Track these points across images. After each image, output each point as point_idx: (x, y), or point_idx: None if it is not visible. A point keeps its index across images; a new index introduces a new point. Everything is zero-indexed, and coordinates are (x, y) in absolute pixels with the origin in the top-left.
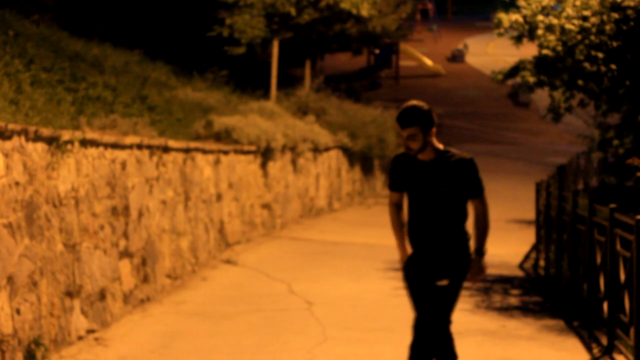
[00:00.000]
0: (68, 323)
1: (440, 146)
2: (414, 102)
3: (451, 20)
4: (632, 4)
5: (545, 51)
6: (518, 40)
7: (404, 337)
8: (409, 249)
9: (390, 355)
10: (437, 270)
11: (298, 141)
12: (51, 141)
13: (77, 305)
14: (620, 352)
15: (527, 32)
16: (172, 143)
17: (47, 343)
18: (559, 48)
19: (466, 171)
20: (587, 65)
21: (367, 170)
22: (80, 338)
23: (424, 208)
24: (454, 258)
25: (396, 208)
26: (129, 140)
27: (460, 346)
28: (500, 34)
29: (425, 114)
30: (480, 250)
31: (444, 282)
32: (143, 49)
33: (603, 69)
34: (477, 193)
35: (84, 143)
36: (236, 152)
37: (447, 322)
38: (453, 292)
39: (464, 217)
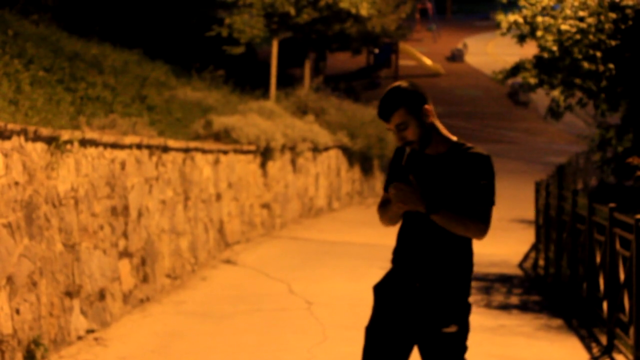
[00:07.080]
0: (67, 323)
1: (454, 137)
2: (392, 85)
3: (450, 19)
4: (630, 3)
5: (542, 53)
6: (521, 39)
7: None
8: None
9: None
10: (428, 310)
11: (297, 141)
12: (50, 141)
13: (76, 305)
14: (620, 352)
15: (528, 32)
16: (171, 143)
17: (46, 343)
18: (555, 48)
19: (480, 170)
20: (585, 64)
21: (366, 170)
22: (79, 338)
23: (421, 220)
24: (454, 294)
25: (383, 206)
26: (129, 140)
27: None
28: (503, 34)
29: (409, 92)
30: (433, 207)
31: (452, 329)
32: (142, 48)
33: (601, 68)
34: (488, 202)
35: (84, 143)
36: (236, 151)
37: None
38: (460, 345)
39: (469, 239)
